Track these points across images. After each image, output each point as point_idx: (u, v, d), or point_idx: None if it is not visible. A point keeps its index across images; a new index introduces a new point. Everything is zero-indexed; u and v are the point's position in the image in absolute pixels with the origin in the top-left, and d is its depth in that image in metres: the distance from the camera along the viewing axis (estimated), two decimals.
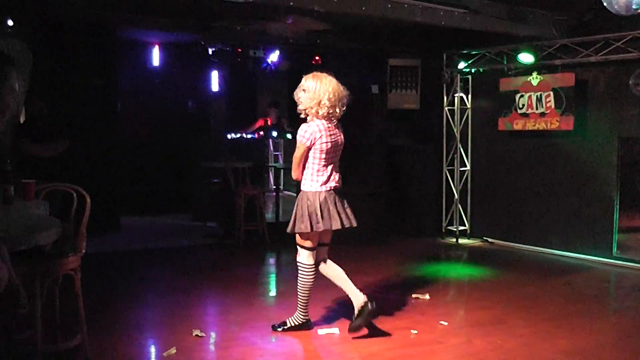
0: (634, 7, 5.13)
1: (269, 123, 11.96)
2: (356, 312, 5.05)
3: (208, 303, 6.43)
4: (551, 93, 8.39)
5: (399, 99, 10.00)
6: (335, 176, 5.11)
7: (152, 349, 5.05)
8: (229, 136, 11.86)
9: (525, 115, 8.72)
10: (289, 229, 5.10)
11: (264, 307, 6.07)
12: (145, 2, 7.79)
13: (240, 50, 11.12)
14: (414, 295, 6.37)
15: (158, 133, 11.79)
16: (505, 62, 9.08)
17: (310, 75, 5.06)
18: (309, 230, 4.96)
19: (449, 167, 9.90)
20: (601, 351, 4.97)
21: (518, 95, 8.78)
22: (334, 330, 5.26)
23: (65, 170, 7.35)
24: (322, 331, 5.24)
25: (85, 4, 7.70)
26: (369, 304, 4.99)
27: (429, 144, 10.16)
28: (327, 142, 4.98)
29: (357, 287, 5.13)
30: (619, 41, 7.70)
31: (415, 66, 9.99)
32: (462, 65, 9.58)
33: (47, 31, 8.86)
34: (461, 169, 9.82)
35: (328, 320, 5.52)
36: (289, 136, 11.77)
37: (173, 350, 4.69)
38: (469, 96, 9.78)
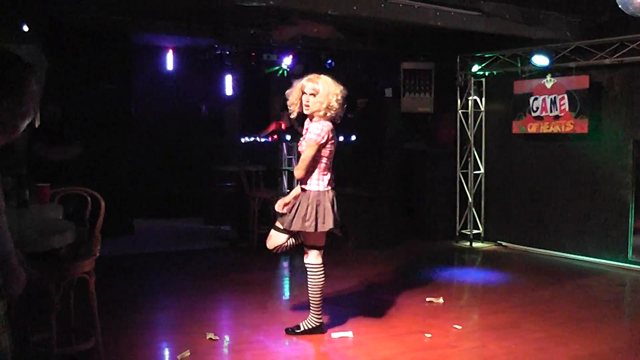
0: None
1: (282, 127, 11.98)
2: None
3: (222, 306, 6.44)
4: (565, 96, 8.34)
5: (412, 103, 9.99)
6: (333, 176, 5.16)
7: (166, 352, 5.07)
8: (242, 140, 11.88)
9: (539, 118, 8.68)
10: (293, 227, 5.00)
11: (278, 311, 6.08)
12: (160, 7, 7.84)
13: (253, 54, 11.15)
14: (427, 299, 6.35)
15: (172, 137, 11.83)
16: (519, 65, 9.04)
17: (313, 77, 5.05)
18: (313, 229, 4.96)
19: (463, 171, 9.87)
20: (616, 356, 4.94)
21: (532, 98, 8.74)
22: (348, 333, 5.25)
23: (80, 174, 7.39)
24: (335, 334, 5.23)
25: (100, 9, 7.75)
26: None
27: (442, 147, 10.14)
28: (334, 143, 5.05)
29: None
30: (634, 43, 7.64)
31: (428, 69, 9.97)
32: (475, 68, 9.56)
33: (62, 36, 8.93)
34: (475, 172, 9.79)
35: (342, 323, 5.51)
36: None
37: (187, 353, 4.70)
38: (483, 99, 9.75)
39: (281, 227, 5.14)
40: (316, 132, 4.96)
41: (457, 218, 9.91)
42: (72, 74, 9.11)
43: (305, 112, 5.05)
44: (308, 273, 5.19)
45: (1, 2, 7.17)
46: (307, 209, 4.97)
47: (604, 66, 8.10)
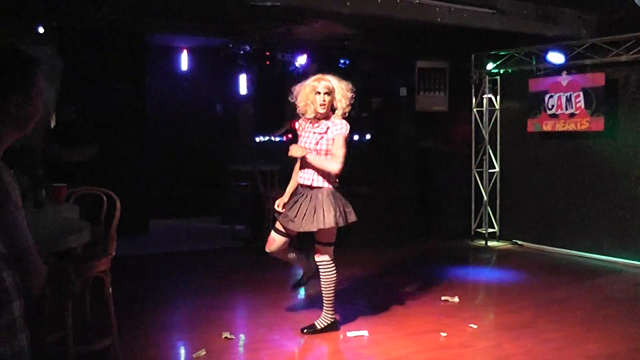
0: None
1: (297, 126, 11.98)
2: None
3: (237, 305, 6.46)
4: (581, 93, 8.29)
5: (427, 101, 9.96)
6: None
7: (182, 351, 5.09)
8: (256, 139, 11.90)
9: (554, 116, 8.63)
10: (335, 223, 4.95)
11: (293, 310, 6.07)
12: (174, 7, 7.86)
13: (268, 53, 11.16)
14: (442, 298, 6.34)
15: (186, 137, 11.86)
16: (534, 63, 9.00)
17: (320, 77, 5.07)
18: (343, 223, 4.99)
19: (478, 169, 9.83)
20: (633, 356, 4.90)
21: (547, 96, 8.69)
22: (363, 332, 5.25)
23: (95, 174, 7.44)
24: (350, 333, 5.23)
25: (115, 10, 7.78)
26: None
27: (457, 146, 10.11)
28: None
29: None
30: None
31: (443, 68, 9.94)
32: (490, 66, 9.52)
33: (77, 37, 8.97)
34: (490, 170, 9.75)
35: (357, 322, 5.51)
36: None
37: (202, 352, 4.71)
38: (498, 97, 9.71)
39: (282, 229, 5.18)
40: (346, 128, 5.01)
41: (472, 217, 9.88)
42: (87, 75, 9.15)
43: (321, 111, 5.04)
44: (321, 271, 5.20)
45: (17, 4, 7.22)
46: (334, 205, 4.96)
47: (619, 63, 8.05)
